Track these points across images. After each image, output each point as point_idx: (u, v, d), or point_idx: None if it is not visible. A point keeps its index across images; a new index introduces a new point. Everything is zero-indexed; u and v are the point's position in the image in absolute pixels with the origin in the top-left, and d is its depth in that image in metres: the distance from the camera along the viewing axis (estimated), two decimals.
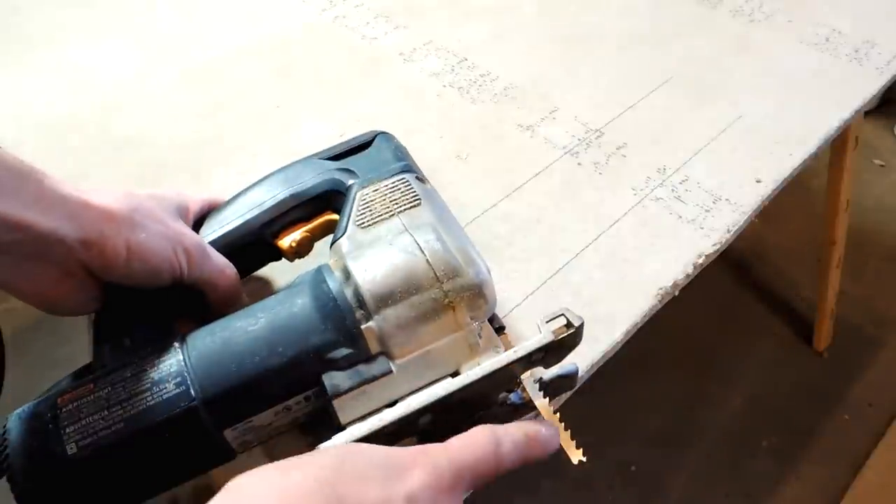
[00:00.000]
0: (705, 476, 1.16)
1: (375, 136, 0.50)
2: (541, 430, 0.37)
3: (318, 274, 0.40)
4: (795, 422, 1.22)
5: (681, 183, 0.61)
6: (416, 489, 0.31)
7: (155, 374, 0.37)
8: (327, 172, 0.47)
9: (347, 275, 0.39)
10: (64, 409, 0.36)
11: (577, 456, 0.37)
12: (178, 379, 0.36)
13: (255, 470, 0.30)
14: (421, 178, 0.46)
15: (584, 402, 0.93)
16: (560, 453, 0.38)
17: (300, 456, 0.31)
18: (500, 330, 0.42)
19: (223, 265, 0.44)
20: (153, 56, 0.77)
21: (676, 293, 0.53)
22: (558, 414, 0.38)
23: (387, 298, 0.38)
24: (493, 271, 0.53)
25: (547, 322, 0.38)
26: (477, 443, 0.34)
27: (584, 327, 0.39)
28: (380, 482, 0.30)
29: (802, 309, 1.35)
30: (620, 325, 0.50)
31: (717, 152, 0.64)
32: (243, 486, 0.29)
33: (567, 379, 0.41)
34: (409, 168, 0.46)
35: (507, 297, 0.51)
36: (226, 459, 0.39)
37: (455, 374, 0.39)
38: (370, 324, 0.38)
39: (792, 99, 0.69)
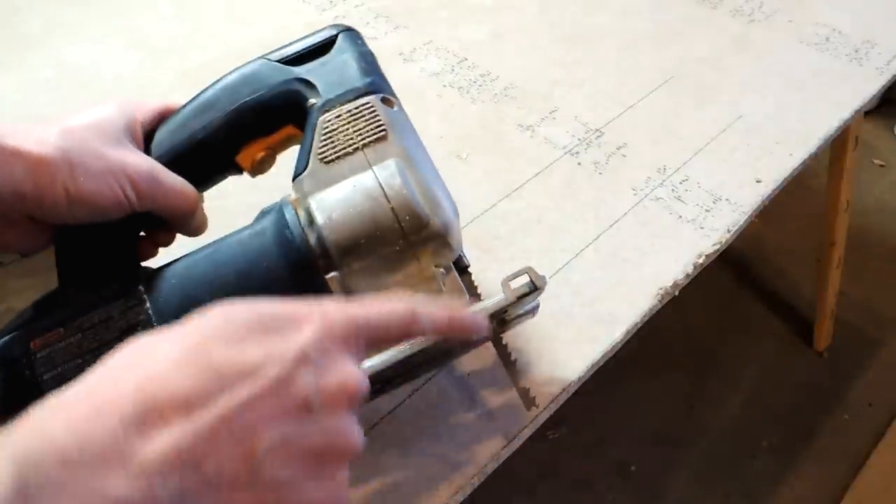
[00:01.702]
0: (705, 476, 1.16)
1: (338, 33, 0.45)
2: (466, 315, 0.35)
3: (281, 218, 0.39)
4: (795, 422, 1.22)
5: (681, 183, 0.61)
6: (305, 343, 0.28)
7: (123, 323, 0.38)
8: (286, 83, 0.43)
9: (311, 219, 0.39)
10: (38, 356, 0.37)
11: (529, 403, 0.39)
12: (148, 329, 0.37)
13: (130, 343, 0.28)
14: (388, 98, 0.43)
15: (584, 402, 0.93)
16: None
17: (182, 321, 0.29)
18: (464, 270, 0.42)
19: (178, 187, 0.41)
20: (153, 56, 0.77)
21: (676, 293, 0.53)
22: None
23: (351, 249, 0.38)
24: (493, 271, 0.53)
25: (510, 281, 0.39)
26: (389, 304, 0.32)
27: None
28: (264, 339, 0.28)
29: (802, 309, 1.35)
30: (620, 325, 0.50)
31: (717, 152, 0.64)
32: (110, 363, 0.28)
33: (528, 314, 0.42)
34: (375, 86, 0.43)
35: None
36: None
37: None
38: (334, 274, 0.38)
39: (792, 99, 0.69)
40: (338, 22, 0.48)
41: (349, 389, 0.29)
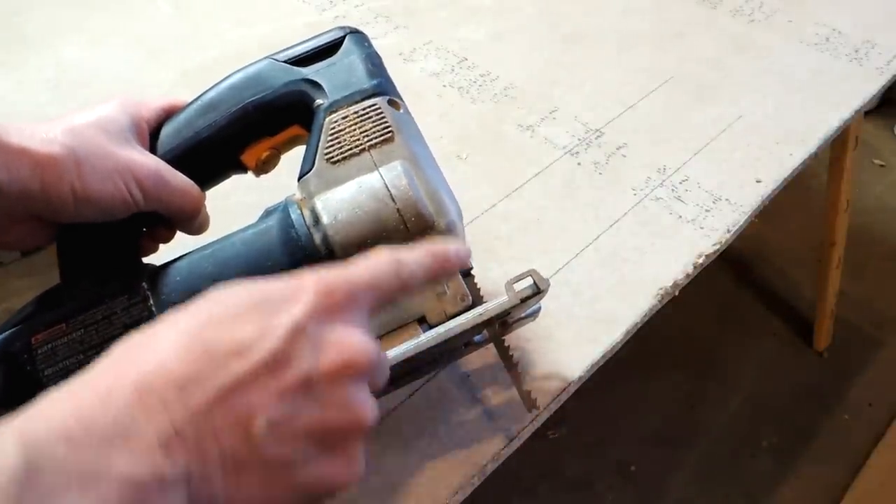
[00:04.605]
0: (705, 476, 1.16)
1: (345, 35, 0.45)
2: (447, 248, 0.34)
3: (286, 217, 0.40)
4: (795, 422, 1.22)
5: (681, 183, 0.61)
6: (300, 317, 0.28)
7: (126, 319, 0.38)
8: (293, 84, 0.44)
9: (316, 219, 0.39)
10: (39, 351, 0.37)
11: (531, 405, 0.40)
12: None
13: (131, 335, 0.28)
14: (394, 101, 0.43)
15: (584, 402, 0.93)
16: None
17: (181, 307, 0.29)
18: (467, 273, 0.42)
19: (184, 186, 0.41)
20: (153, 56, 0.77)
21: (676, 293, 0.53)
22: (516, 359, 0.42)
23: (356, 250, 0.37)
24: (493, 271, 0.53)
25: (514, 284, 0.39)
26: (377, 261, 0.31)
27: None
28: (257, 317, 0.28)
29: (802, 309, 1.35)
30: (620, 325, 0.50)
31: (717, 152, 0.64)
32: (112, 355, 0.28)
33: (531, 316, 0.43)
34: (382, 88, 0.43)
35: None
36: None
37: (422, 318, 0.40)
38: None
39: (792, 99, 0.69)
40: (338, 22, 0.48)
41: (354, 359, 0.28)
